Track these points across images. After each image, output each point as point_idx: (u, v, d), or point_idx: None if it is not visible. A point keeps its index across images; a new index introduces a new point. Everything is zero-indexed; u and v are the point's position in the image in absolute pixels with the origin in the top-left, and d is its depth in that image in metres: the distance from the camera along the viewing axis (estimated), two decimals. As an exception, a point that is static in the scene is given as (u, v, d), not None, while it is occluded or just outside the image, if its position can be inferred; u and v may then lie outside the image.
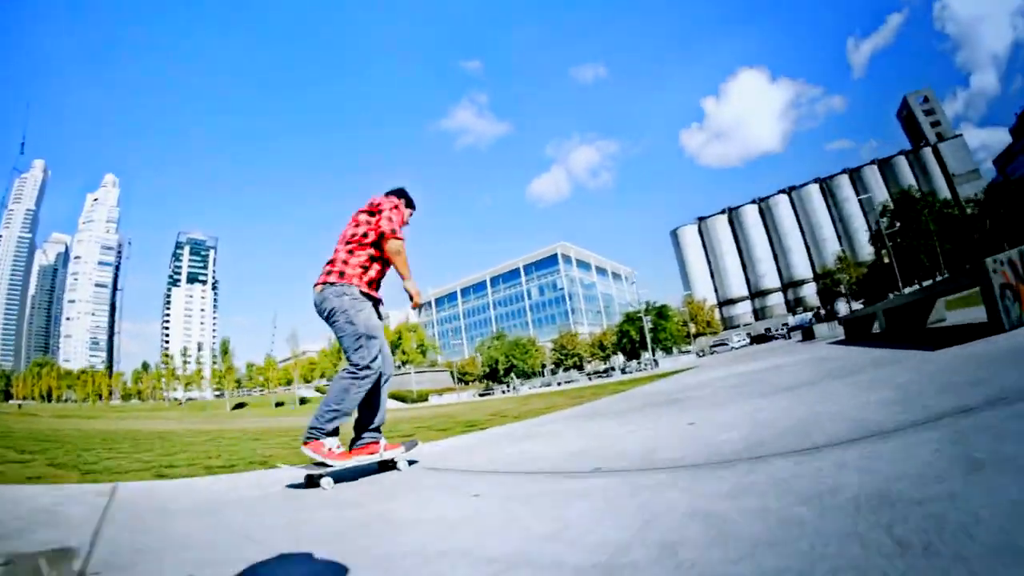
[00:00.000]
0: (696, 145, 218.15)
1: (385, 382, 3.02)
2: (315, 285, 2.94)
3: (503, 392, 45.41)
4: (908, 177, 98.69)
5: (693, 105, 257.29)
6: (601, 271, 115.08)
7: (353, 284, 2.89)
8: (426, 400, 45.75)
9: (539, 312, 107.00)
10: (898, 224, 57.37)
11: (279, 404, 70.27)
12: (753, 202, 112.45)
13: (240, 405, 73.92)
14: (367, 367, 2.79)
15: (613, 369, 49.50)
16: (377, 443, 2.97)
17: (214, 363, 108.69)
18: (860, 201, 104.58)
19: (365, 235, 2.96)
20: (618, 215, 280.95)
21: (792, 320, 66.51)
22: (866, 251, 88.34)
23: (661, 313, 61.42)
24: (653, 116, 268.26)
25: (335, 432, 2.80)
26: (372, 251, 2.96)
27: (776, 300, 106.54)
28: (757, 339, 51.33)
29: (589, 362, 75.64)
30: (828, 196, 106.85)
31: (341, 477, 2.81)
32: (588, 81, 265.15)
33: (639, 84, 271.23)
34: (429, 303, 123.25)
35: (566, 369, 73.14)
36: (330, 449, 2.72)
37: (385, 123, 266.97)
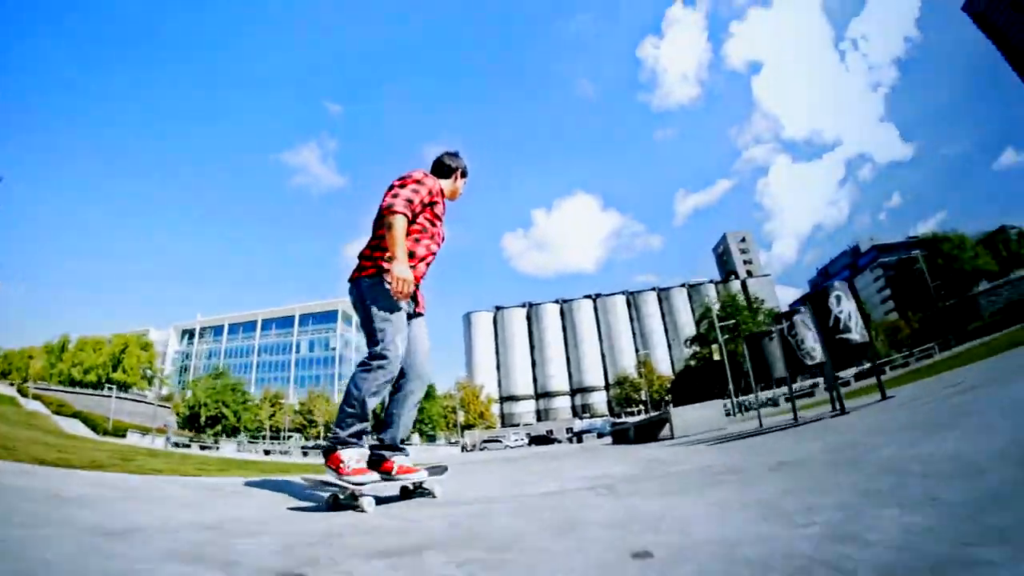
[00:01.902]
0: (516, 249, 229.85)
1: (406, 386, 2.71)
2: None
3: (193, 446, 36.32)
4: (712, 297, 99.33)
5: (524, 212, 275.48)
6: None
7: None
8: (123, 436, 34.65)
9: (304, 369, 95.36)
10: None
11: None
12: (555, 302, 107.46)
13: None
14: (381, 355, 2.48)
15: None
16: (390, 463, 2.63)
17: None
18: (664, 318, 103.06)
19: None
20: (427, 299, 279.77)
21: (579, 424, 63.15)
22: (663, 366, 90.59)
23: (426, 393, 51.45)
24: (483, 211, 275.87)
25: (354, 441, 2.46)
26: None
27: (563, 403, 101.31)
28: (537, 439, 48.43)
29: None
30: (632, 308, 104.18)
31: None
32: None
33: (481, 179, 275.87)
34: (194, 331, 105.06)
35: (308, 437, 64.50)
36: (342, 464, 2.36)
37: (228, 123, 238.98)
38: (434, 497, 2.71)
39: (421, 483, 2.75)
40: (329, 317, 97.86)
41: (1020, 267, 49.44)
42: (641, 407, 78.28)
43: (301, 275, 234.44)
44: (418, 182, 2.70)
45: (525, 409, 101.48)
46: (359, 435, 2.48)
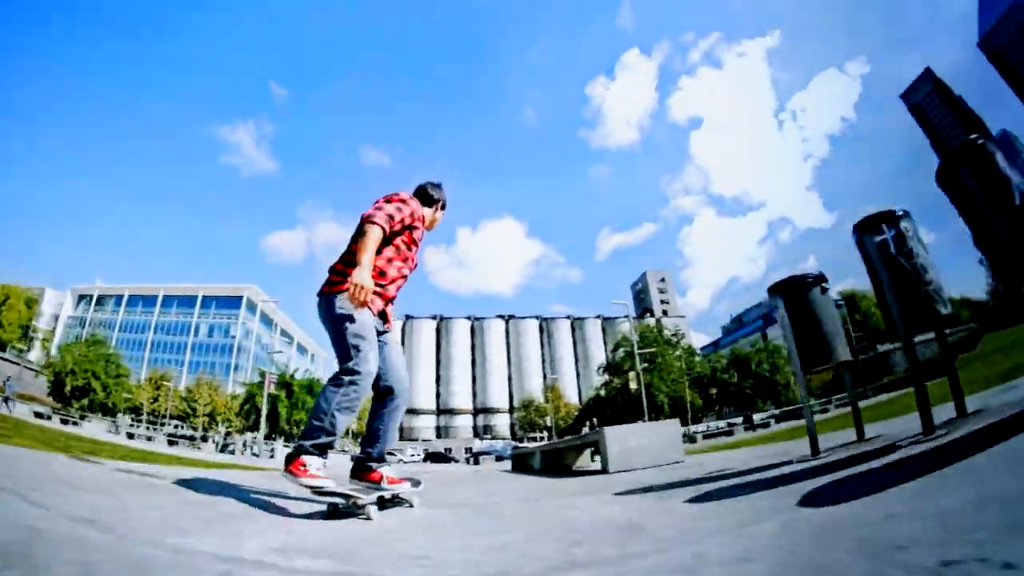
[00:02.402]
0: (436, 264, 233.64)
1: (392, 402, 2.81)
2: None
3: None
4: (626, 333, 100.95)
5: (449, 228, 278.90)
6: (287, 337, 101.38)
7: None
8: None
9: (200, 354, 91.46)
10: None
11: None
12: (467, 318, 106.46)
13: None
14: (354, 371, 2.47)
15: (229, 447, 36.00)
16: (377, 473, 2.75)
17: None
18: (575, 345, 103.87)
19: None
20: None
21: (478, 445, 61.97)
22: (571, 395, 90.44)
23: (310, 389, 46.83)
24: None
25: (316, 452, 2.43)
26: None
27: (464, 422, 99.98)
28: (434, 456, 47.82)
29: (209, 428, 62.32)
30: (544, 334, 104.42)
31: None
32: (370, 164, 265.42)
33: (412, 187, 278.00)
34: (92, 296, 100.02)
35: (192, 427, 59.38)
36: (305, 467, 2.36)
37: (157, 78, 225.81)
38: (411, 507, 2.81)
39: (398, 494, 2.81)
40: (233, 303, 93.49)
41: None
42: (544, 433, 76.60)
43: (213, 257, 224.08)
44: (403, 202, 2.74)
45: (425, 424, 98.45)
46: (323, 448, 2.43)
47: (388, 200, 2.70)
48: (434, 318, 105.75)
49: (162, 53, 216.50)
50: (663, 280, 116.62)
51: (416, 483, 2.88)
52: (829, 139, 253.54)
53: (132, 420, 51.20)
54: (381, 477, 2.71)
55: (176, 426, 56.42)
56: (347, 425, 2.49)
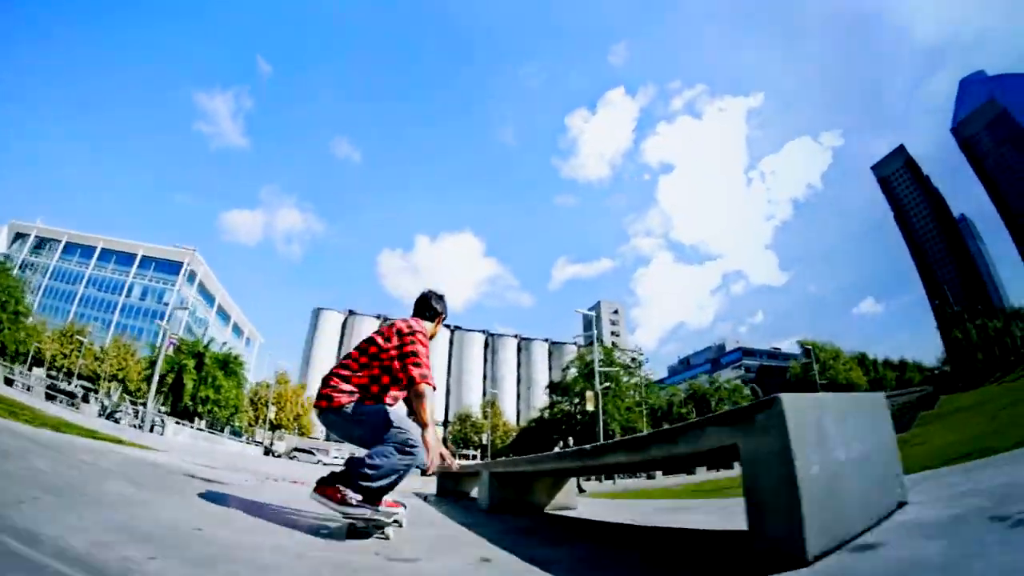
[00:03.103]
0: (390, 269, 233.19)
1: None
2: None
3: None
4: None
5: (408, 233, 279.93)
6: (223, 315, 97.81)
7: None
8: None
9: (130, 317, 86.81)
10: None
11: None
12: None
13: None
14: (414, 445, 2.67)
15: (116, 414, 31.30)
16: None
17: None
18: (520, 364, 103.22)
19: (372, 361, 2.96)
20: (286, 289, 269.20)
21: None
22: (509, 416, 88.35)
23: (225, 365, 42.21)
24: (369, 222, 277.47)
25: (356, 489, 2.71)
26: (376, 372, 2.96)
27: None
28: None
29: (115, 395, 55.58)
30: (489, 350, 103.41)
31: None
32: (340, 156, 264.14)
33: (379, 187, 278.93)
34: (29, 236, 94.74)
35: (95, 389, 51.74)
36: (349, 497, 2.66)
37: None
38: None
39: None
40: (173, 268, 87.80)
41: (882, 388, 53.91)
42: (478, 452, 74.36)
43: (164, 220, 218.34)
44: (424, 338, 2.95)
45: None
46: (362, 491, 2.65)
47: (417, 341, 2.88)
48: (377, 317, 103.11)
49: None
50: (616, 312, 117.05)
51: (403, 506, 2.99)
52: (793, 203, 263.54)
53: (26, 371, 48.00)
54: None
55: (76, 386, 52.60)
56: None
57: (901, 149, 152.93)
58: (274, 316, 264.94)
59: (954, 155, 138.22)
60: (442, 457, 2.68)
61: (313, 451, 48.38)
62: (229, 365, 41.68)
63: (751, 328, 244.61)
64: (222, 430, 51.89)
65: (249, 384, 54.91)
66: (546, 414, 56.07)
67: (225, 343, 49.17)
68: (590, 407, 30.67)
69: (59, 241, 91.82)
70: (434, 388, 2.83)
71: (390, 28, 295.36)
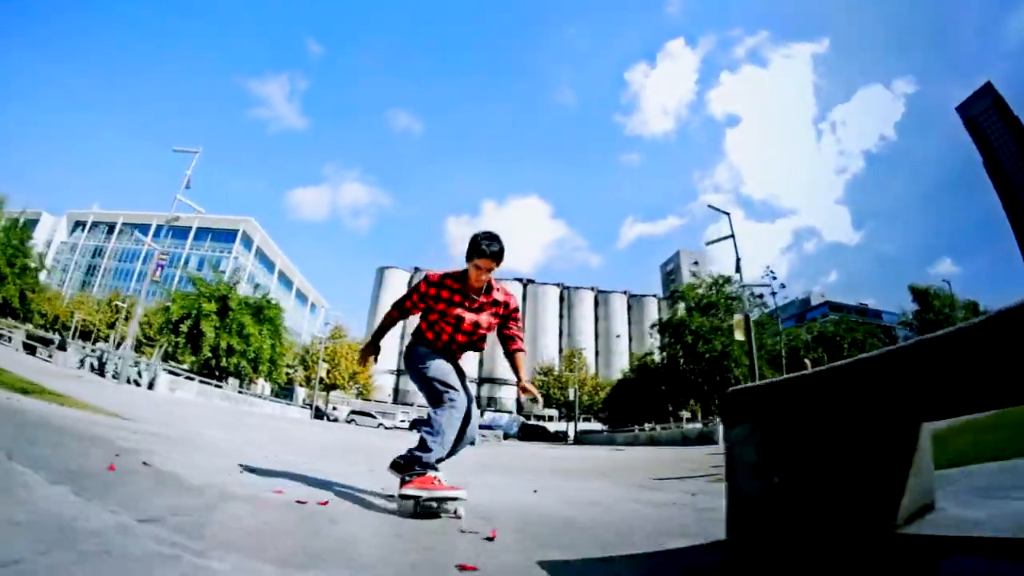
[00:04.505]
0: (457, 234, 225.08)
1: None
2: None
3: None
4: (653, 314, 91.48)
5: (474, 201, 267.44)
6: (286, 281, 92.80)
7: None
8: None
9: (187, 287, 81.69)
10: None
11: None
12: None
13: None
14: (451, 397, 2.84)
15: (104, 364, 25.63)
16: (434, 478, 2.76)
17: None
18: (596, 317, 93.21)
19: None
20: (355, 261, 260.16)
21: (483, 418, 50.60)
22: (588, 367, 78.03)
23: (259, 312, 33.44)
24: (434, 191, 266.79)
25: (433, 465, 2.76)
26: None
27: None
28: (420, 424, 37.12)
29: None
30: (565, 304, 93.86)
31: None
32: (399, 128, 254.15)
33: (441, 157, 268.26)
34: (87, 222, 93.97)
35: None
36: (436, 481, 2.68)
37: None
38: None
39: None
40: (229, 237, 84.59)
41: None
42: (557, 412, 65.98)
43: (226, 205, 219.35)
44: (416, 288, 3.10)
45: None
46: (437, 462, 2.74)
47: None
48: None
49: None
50: (696, 263, 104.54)
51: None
52: (865, 155, 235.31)
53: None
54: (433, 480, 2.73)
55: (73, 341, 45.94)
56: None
57: (988, 87, 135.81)
58: (343, 288, 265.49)
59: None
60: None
61: (373, 414, 41.94)
62: (263, 312, 33.69)
63: (824, 288, 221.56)
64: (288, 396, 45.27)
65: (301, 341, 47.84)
66: (656, 357, 44.86)
67: (266, 293, 40.60)
68: (740, 336, 19.58)
69: (115, 224, 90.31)
70: (395, 311, 3.15)
71: (437, 2, 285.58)
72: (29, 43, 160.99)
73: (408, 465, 2.66)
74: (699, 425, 22.22)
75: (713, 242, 20.60)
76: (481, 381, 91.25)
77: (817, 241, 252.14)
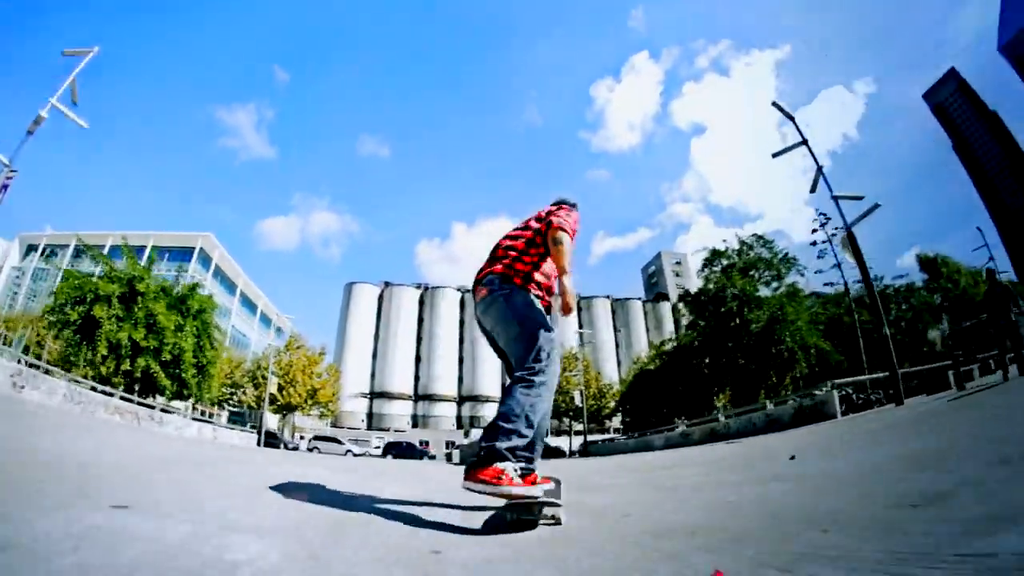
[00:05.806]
0: (428, 258, 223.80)
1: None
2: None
3: None
4: (639, 318, 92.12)
5: (444, 224, 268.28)
6: (248, 303, 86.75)
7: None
8: None
9: None
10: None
11: None
12: (457, 289, 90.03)
13: None
14: (543, 372, 2.30)
15: None
16: (533, 475, 2.23)
17: None
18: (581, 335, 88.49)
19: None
20: (327, 290, 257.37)
21: (465, 437, 52.66)
22: None
23: (182, 301, 24.03)
24: (404, 216, 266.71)
25: (509, 455, 2.16)
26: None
27: (447, 411, 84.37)
28: (397, 450, 35.99)
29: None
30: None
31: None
32: (367, 154, 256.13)
33: (410, 182, 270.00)
34: (39, 246, 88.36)
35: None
36: (503, 476, 2.08)
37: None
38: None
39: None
40: (185, 255, 79.51)
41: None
42: (557, 423, 58.28)
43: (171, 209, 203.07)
44: (569, 210, 2.69)
45: (400, 411, 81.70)
46: (514, 451, 2.18)
47: (564, 211, 2.64)
48: (417, 287, 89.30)
49: (166, 25, 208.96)
50: (679, 263, 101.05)
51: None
52: (831, 155, 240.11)
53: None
54: (537, 478, 2.21)
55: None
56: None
57: (953, 72, 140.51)
58: (313, 313, 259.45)
59: (1007, 74, 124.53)
60: (571, 307, 2.37)
61: (340, 440, 36.42)
62: (187, 302, 26.35)
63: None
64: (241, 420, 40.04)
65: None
66: (678, 343, 37.08)
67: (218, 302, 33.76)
68: (848, 256, 14.00)
69: (68, 245, 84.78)
70: (567, 234, 2.51)
71: (401, 24, 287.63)
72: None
73: (498, 458, 2.11)
74: (793, 401, 15.73)
75: (780, 152, 15.79)
76: (462, 400, 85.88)
77: (787, 243, 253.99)
